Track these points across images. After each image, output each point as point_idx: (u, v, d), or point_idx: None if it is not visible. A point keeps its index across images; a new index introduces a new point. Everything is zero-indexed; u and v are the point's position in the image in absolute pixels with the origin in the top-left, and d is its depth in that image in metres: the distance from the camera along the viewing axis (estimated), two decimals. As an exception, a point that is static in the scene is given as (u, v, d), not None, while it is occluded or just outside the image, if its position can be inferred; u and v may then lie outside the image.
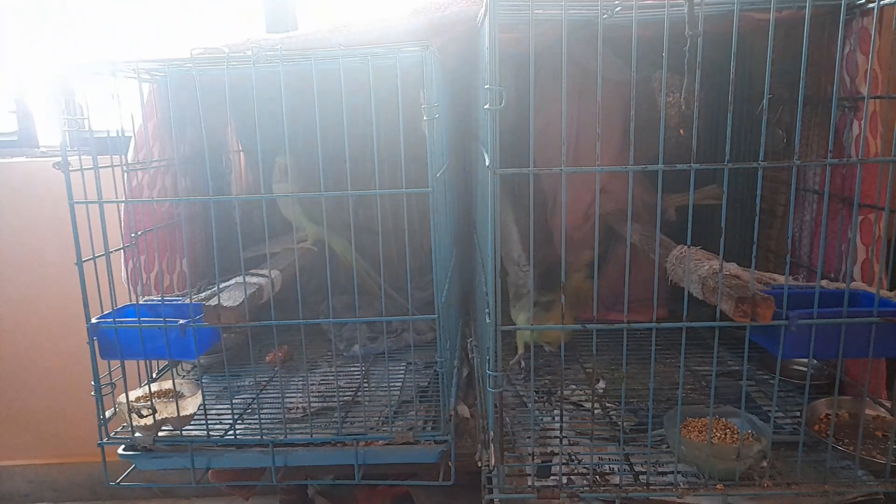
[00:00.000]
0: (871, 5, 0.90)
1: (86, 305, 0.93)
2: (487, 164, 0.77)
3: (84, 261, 0.92)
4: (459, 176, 1.60)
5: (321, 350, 1.37)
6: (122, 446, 0.98)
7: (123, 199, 1.05)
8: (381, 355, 1.30)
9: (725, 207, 0.76)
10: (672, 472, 0.84)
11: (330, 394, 1.13)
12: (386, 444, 0.96)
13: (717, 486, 0.81)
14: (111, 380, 0.99)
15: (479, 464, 0.93)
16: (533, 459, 0.88)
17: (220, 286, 0.99)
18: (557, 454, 0.91)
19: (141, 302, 1.03)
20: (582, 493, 0.81)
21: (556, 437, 0.95)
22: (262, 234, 0.98)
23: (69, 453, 1.83)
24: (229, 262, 1.12)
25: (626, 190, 0.77)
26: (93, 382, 0.95)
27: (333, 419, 1.03)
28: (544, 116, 1.33)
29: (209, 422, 1.00)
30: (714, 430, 0.87)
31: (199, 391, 1.01)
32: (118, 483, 0.98)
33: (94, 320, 0.94)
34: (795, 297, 0.85)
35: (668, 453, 0.90)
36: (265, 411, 1.07)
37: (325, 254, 0.99)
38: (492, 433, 0.86)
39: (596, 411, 1.04)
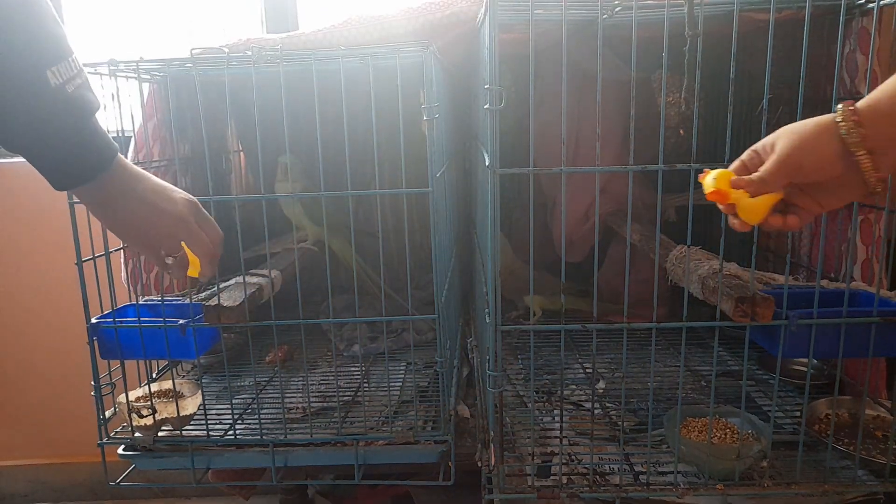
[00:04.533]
0: (871, 5, 0.90)
1: (86, 305, 0.93)
2: (487, 164, 0.77)
3: (84, 261, 0.92)
4: (459, 176, 1.60)
5: (321, 350, 1.37)
6: (122, 446, 0.98)
7: (123, 199, 1.05)
8: (381, 355, 1.30)
9: (725, 207, 0.76)
10: (672, 472, 0.84)
11: (330, 394, 1.13)
12: (386, 444, 0.96)
13: (717, 486, 0.81)
14: (111, 380, 0.99)
15: (479, 464, 0.93)
16: (533, 459, 0.88)
17: (220, 286, 0.99)
18: (557, 454, 0.91)
19: (141, 302, 1.03)
20: (582, 493, 0.81)
21: (556, 437, 0.95)
22: (263, 234, 0.98)
23: (69, 453, 1.82)
24: (229, 262, 1.12)
25: (626, 190, 0.77)
26: (93, 382, 0.95)
27: (333, 419, 1.03)
28: (544, 116, 1.33)
29: (209, 422, 1.00)
30: (714, 430, 0.87)
31: (199, 391, 1.01)
32: (118, 483, 0.98)
33: (94, 320, 0.94)
34: (795, 296, 0.85)
35: (668, 453, 0.90)
36: (265, 411, 1.07)
37: (325, 254, 0.99)
38: (492, 433, 0.86)
39: (596, 411, 1.04)
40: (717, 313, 0.80)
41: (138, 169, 0.75)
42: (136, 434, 0.96)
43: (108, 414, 0.98)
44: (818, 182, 0.61)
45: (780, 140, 0.61)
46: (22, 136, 0.65)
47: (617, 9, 0.92)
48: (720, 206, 0.66)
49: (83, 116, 0.67)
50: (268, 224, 0.95)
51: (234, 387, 1.20)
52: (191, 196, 0.79)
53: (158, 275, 1.20)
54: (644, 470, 0.86)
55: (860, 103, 0.56)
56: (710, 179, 0.65)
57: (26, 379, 1.78)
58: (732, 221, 0.65)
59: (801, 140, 0.59)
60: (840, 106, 0.56)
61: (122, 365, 1.00)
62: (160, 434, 0.98)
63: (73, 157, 0.67)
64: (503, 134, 0.74)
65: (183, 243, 0.78)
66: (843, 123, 0.56)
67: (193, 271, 0.81)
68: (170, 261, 0.80)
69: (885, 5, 0.84)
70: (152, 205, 0.75)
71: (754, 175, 0.62)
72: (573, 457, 0.91)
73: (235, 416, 1.06)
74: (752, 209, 0.63)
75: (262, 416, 1.00)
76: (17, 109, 0.63)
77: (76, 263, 0.91)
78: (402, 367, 1.25)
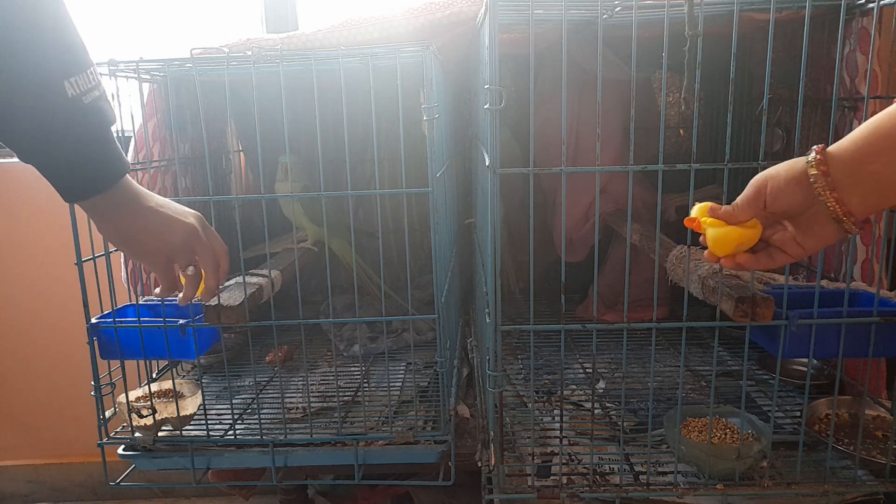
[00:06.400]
0: (871, 5, 0.90)
1: (86, 305, 0.93)
2: (487, 164, 0.77)
3: (84, 261, 0.92)
4: (459, 176, 1.60)
5: (321, 350, 1.37)
6: (122, 446, 0.98)
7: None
8: (381, 355, 1.30)
9: (725, 207, 0.76)
10: (672, 472, 0.84)
11: (330, 394, 1.13)
12: (386, 444, 0.96)
13: (717, 486, 0.81)
14: (111, 380, 0.99)
15: (479, 464, 0.93)
16: (533, 459, 0.88)
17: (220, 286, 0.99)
18: (557, 454, 0.91)
19: (141, 302, 1.03)
20: (582, 493, 0.81)
21: (556, 437, 0.95)
22: (262, 234, 0.98)
23: (69, 453, 1.82)
24: (229, 262, 1.12)
25: (626, 190, 0.77)
26: (93, 382, 0.95)
27: (333, 419, 1.03)
28: (544, 116, 1.33)
29: (209, 422, 1.00)
30: (714, 430, 0.87)
31: (199, 391, 1.01)
32: (118, 483, 0.98)
33: (94, 320, 0.94)
34: (795, 297, 0.85)
35: (668, 453, 0.90)
36: (265, 411, 1.07)
37: (325, 254, 0.99)
38: (492, 433, 0.86)
39: (596, 411, 1.04)
40: (717, 313, 0.80)
41: (142, 187, 0.76)
42: (136, 434, 0.96)
43: (108, 414, 0.98)
44: (795, 222, 0.64)
45: (755, 176, 0.65)
46: (35, 145, 0.65)
47: (617, 9, 0.92)
48: (702, 241, 0.68)
49: (98, 128, 0.67)
50: (268, 224, 0.95)
51: (234, 387, 1.20)
52: (196, 211, 0.80)
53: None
54: (644, 470, 0.86)
55: (831, 147, 0.60)
56: (694, 209, 0.68)
57: (26, 379, 1.78)
58: (705, 253, 0.68)
59: (771, 171, 0.63)
60: (813, 148, 0.60)
61: (122, 365, 1.00)
62: (160, 434, 0.98)
63: (84, 168, 0.68)
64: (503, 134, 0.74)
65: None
66: (811, 163, 0.60)
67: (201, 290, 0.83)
68: (190, 271, 0.80)
69: (885, 5, 0.84)
70: (165, 216, 0.76)
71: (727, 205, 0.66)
72: (573, 457, 0.91)
73: (235, 416, 1.06)
74: (719, 240, 0.65)
75: (262, 416, 1.00)
76: (32, 118, 0.63)
77: (76, 263, 0.91)
78: (402, 367, 1.25)
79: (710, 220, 0.66)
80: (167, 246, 0.76)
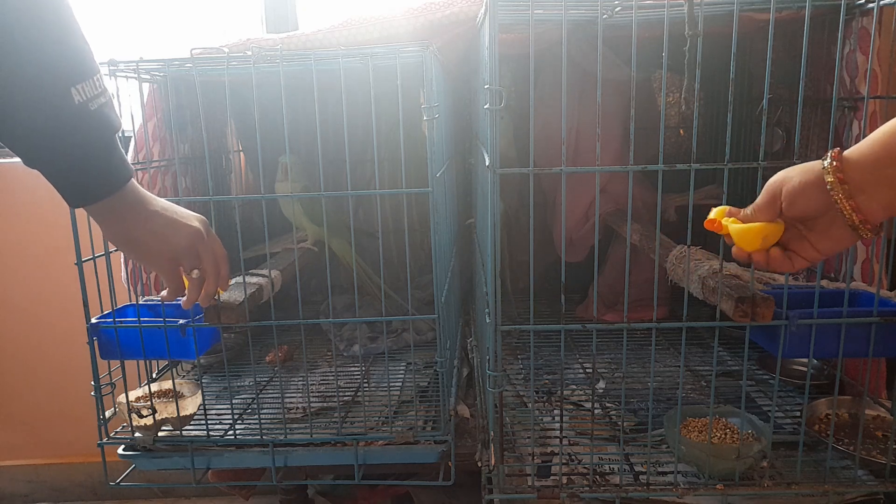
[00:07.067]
0: (871, 5, 0.90)
1: (86, 305, 0.93)
2: (487, 164, 0.77)
3: (84, 261, 0.92)
4: (459, 176, 1.60)
5: (321, 350, 1.37)
6: (122, 446, 0.98)
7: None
8: (381, 355, 1.30)
9: (725, 207, 0.76)
10: (672, 472, 0.84)
11: (330, 394, 1.13)
12: (386, 444, 0.96)
13: (717, 486, 0.81)
14: (111, 380, 0.99)
15: (479, 464, 0.93)
16: (533, 459, 0.88)
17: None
18: (557, 454, 0.91)
19: (141, 302, 1.03)
20: (582, 493, 0.81)
21: (556, 437, 0.95)
22: (262, 234, 0.98)
23: (69, 453, 1.82)
24: (229, 262, 1.12)
25: (626, 190, 0.77)
26: (93, 382, 0.95)
27: (333, 419, 1.03)
28: (544, 117, 1.33)
29: (209, 422, 1.00)
30: (714, 430, 0.87)
31: (199, 391, 1.01)
32: (118, 483, 0.98)
33: (94, 320, 0.94)
34: (795, 297, 0.85)
35: (668, 453, 0.90)
36: (265, 411, 1.07)
37: (325, 254, 0.99)
38: (492, 433, 0.86)
39: (596, 411, 1.04)
40: (717, 313, 0.80)
41: (146, 191, 0.77)
42: (136, 434, 0.96)
43: (108, 414, 0.98)
44: (811, 225, 0.64)
45: (770, 179, 0.65)
46: (42, 151, 0.65)
47: (617, 9, 0.92)
48: (727, 239, 0.70)
49: (103, 135, 0.67)
50: (268, 224, 0.95)
51: (234, 387, 1.20)
52: (199, 215, 0.81)
53: (159, 276, 1.20)
54: (644, 470, 0.86)
55: (847, 152, 0.59)
56: (711, 212, 0.70)
57: (26, 379, 1.78)
58: (733, 250, 0.69)
59: (786, 174, 0.64)
60: (828, 153, 0.60)
61: (122, 365, 1.00)
62: (160, 434, 0.98)
63: (90, 173, 0.68)
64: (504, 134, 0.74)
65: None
66: (827, 168, 0.60)
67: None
68: (195, 274, 0.81)
69: (885, 5, 0.84)
70: (170, 219, 0.76)
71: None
72: (573, 457, 0.91)
73: (235, 416, 1.06)
74: (743, 235, 0.67)
75: (262, 416, 1.00)
76: (39, 125, 0.63)
77: (76, 263, 0.91)
78: (402, 367, 1.25)
79: (730, 219, 0.68)
80: (172, 248, 0.77)
